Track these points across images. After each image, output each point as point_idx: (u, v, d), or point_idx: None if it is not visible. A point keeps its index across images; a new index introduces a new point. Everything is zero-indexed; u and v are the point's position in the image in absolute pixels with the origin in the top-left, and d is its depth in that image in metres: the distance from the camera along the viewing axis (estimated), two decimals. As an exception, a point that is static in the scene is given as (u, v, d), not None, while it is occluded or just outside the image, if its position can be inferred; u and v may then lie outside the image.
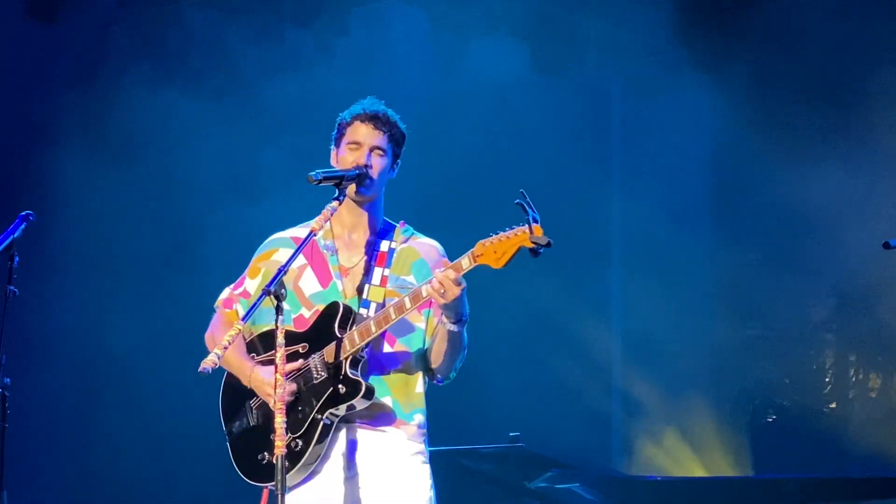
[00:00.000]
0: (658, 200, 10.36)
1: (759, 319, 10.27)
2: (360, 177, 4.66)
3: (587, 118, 10.64)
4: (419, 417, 4.69)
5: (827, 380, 10.09)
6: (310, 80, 9.77)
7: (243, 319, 4.36)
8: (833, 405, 10.03)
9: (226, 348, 4.23)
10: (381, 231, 4.78)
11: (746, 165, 10.09)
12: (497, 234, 4.37)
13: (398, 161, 4.80)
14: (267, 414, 4.56)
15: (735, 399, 10.32)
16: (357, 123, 4.73)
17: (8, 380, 5.13)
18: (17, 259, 5.15)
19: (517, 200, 4.30)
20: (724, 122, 10.19)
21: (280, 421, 4.23)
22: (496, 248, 4.34)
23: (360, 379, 4.51)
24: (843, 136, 9.54)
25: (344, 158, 4.72)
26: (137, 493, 9.61)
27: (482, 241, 4.39)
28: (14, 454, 5.22)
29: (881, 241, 4.96)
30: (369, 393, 4.51)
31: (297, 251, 4.49)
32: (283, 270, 4.36)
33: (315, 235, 4.56)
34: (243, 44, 9.85)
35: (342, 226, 4.78)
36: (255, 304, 4.38)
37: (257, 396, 4.63)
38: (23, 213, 5.26)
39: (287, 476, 4.47)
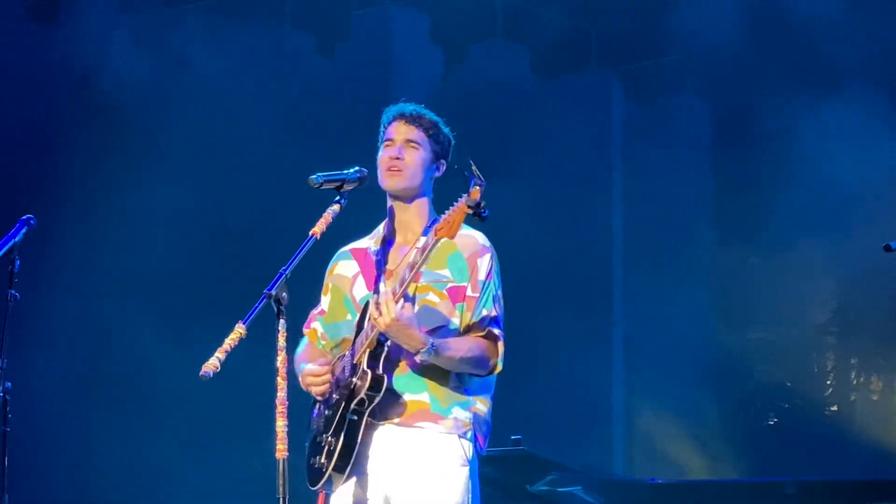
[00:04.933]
0: (659, 202, 10.37)
1: (760, 322, 10.28)
2: (362, 180, 4.67)
3: (588, 121, 10.65)
4: (458, 411, 4.61)
5: (828, 382, 10.09)
6: (310, 84, 9.78)
7: (244, 322, 4.35)
8: (834, 407, 10.03)
9: (227, 352, 4.24)
10: (426, 229, 4.72)
11: (747, 168, 10.10)
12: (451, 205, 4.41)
13: (443, 161, 4.78)
14: (318, 419, 4.62)
15: (737, 401, 10.32)
16: (394, 122, 4.78)
17: (9, 384, 5.12)
18: (17, 263, 5.14)
19: (456, 166, 4.41)
20: (724, 123, 10.20)
21: (281, 425, 4.25)
22: (449, 220, 4.36)
23: (368, 370, 4.51)
24: (841, 137, 9.55)
25: (380, 158, 4.74)
26: (139, 497, 9.60)
27: (442, 216, 4.40)
28: (15, 458, 5.22)
29: (882, 244, 4.95)
30: (376, 383, 4.49)
31: (295, 255, 4.49)
32: (282, 274, 4.37)
33: (315, 239, 4.56)
34: (244, 46, 9.85)
35: (393, 229, 4.80)
36: (255, 307, 4.38)
37: (317, 406, 4.68)
38: (23, 217, 5.25)
39: (328, 476, 4.54)
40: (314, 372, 4.59)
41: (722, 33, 9.65)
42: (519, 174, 9.71)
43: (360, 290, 4.75)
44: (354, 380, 4.52)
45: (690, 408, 10.13)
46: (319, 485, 4.57)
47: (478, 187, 4.30)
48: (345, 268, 4.78)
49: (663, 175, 10.42)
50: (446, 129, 4.80)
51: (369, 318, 4.51)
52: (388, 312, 4.39)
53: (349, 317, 4.70)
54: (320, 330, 4.84)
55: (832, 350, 10.10)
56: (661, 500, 7.88)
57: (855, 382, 9.99)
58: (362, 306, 4.66)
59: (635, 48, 10.63)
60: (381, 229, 4.80)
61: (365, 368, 4.52)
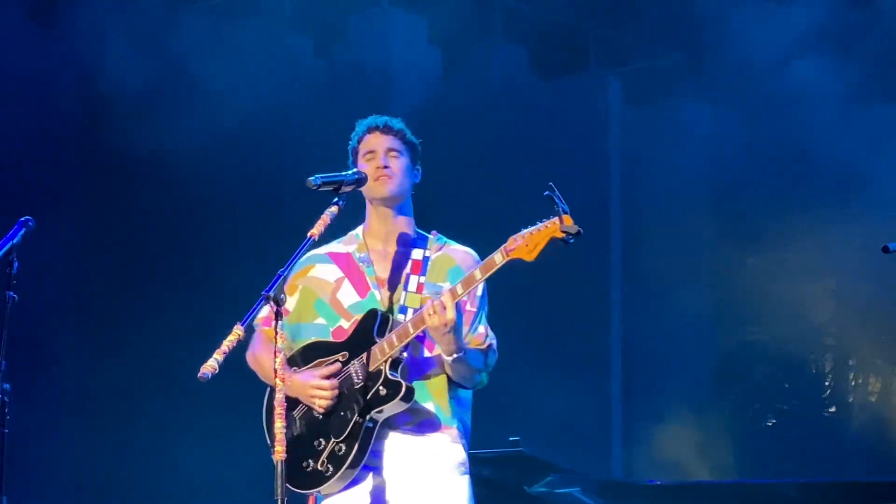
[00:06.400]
0: (658, 205, 10.37)
1: (758, 324, 10.28)
2: (360, 182, 4.69)
3: (586, 121, 10.66)
4: (457, 422, 4.72)
5: (826, 384, 10.10)
6: (308, 86, 9.78)
7: (242, 324, 4.36)
8: (832, 409, 10.03)
9: (225, 353, 4.24)
10: (413, 241, 4.83)
11: (747, 169, 10.11)
12: (528, 227, 4.46)
13: (418, 166, 4.89)
14: (310, 422, 4.63)
15: (735, 403, 10.32)
16: (367, 136, 4.85)
17: (7, 385, 5.12)
18: (16, 265, 5.14)
19: (546, 192, 4.39)
20: (724, 125, 10.21)
21: (280, 426, 4.25)
22: (528, 242, 4.43)
23: (401, 380, 4.55)
24: (840, 137, 9.56)
25: (364, 171, 4.77)
26: (139, 497, 9.60)
27: (513, 237, 4.47)
28: (14, 460, 5.22)
29: (880, 245, 4.96)
30: (409, 394, 4.53)
31: (294, 257, 4.50)
32: (280, 275, 4.38)
33: (313, 241, 4.57)
34: (242, 48, 9.85)
35: (376, 238, 4.84)
36: (253, 308, 4.39)
37: (300, 405, 4.67)
38: (22, 219, 5.26)
39: (330, 482, 4.56)
40: (322, 385, 4.59)
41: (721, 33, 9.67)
42: (517, 175, 9.71)
43: (349, 297, 4.77)
44: (381, 388, 4.53)
45: (689, 409, 10.14)
46: (317, 489, 4.59)
47: (567, 214, 4.38)
48: (324, 271, 4.79)
49: (662, 176, 10.42)
50: (411, 135, 4.90)
51: (411, 319, 4.54)
52: (450, 311, 4.44)
53: (320, 320, 4.74)
54: (280, 330, 4.82)
55: (830, 351, 10.11)
56: (660, 502, 7.88)
57: (853, 384, 10.00)
58: (358, 314, 4.68)
59: (634, 49, 10.64)
60: (360, 235, 4.84)
61: (391, 378, 4.55)
